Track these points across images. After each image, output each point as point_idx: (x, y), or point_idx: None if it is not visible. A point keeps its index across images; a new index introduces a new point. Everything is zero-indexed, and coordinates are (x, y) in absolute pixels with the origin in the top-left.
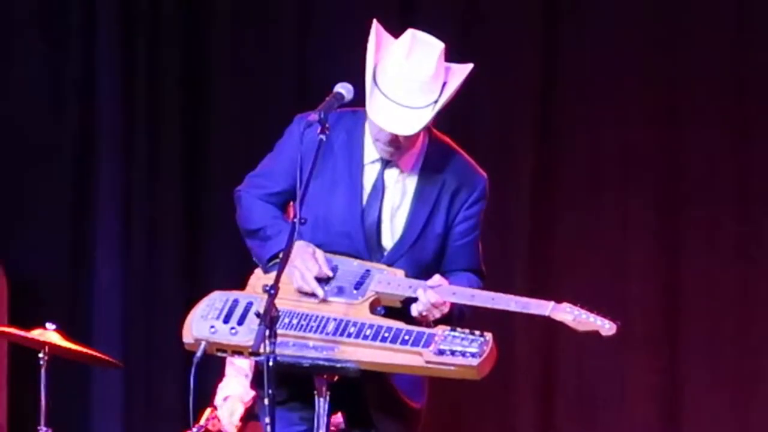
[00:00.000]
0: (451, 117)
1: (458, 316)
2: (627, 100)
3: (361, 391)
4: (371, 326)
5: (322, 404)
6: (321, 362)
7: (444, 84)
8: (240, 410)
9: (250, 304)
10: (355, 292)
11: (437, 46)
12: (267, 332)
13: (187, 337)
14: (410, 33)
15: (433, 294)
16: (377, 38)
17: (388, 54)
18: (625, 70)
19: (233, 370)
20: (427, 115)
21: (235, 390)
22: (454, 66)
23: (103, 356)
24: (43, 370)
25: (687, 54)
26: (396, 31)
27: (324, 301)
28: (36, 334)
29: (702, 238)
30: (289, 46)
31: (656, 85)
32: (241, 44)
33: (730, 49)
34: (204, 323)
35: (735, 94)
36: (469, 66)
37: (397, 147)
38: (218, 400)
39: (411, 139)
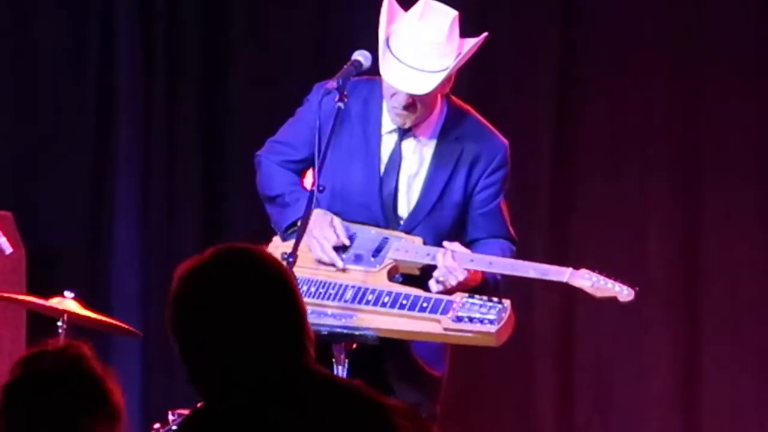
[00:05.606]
0: (470, 88)
1: (493, 285)
2: (648, 70)
3: (381, 359)
4: (389, 294)
5: (340, 372)
6: (339, 330)
7: (458, 55)
8: None
9: None
10: (373, 259)
11: (450, 12)
12: None
13: None
14: (423, 1)
15: (449, 257)
16: (390, 10)
17: (401, 21)
18: (646, 39)
19: None
20: (439, 78)
21: None
22: (469, 39)
23: (122, 324)
24: (61, 339)
25: (711, 21)
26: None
27: (342, 269)
28: (54, 302)
29: (722, 207)
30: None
31: (677, 55)
32: (262, 13)
33: (755, 26)
34: None
35: (756, 68)
36: (484, 35)
37: (412, 112)
38: None
39: (427, 105)
